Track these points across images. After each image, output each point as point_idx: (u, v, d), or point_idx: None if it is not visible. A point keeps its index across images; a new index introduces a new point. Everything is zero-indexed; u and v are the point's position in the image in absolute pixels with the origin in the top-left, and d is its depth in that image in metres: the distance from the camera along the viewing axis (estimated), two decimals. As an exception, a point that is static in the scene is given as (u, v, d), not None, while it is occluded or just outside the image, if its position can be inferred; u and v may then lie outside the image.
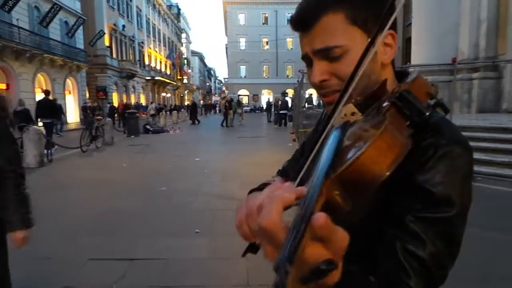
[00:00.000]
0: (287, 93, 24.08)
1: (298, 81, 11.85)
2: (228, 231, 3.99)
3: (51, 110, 11.11)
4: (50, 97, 12.28)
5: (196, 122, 24.49)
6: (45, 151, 8.43)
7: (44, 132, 9.28)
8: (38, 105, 11.28)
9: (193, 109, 25.71)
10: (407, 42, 17.24)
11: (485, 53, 10.82)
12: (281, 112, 20.28)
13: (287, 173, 0.99)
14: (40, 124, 11.08)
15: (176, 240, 3.73)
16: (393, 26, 0.66)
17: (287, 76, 53.93)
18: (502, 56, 10.35)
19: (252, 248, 0.72)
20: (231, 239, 3.74)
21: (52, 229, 4.09)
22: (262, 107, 47.92)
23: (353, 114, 0.57)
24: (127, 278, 2.95)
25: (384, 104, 0.56)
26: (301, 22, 0.67)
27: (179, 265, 3.18)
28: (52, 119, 11.10)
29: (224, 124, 20.71)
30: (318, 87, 0.70)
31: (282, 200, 0.43)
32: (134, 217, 4.52)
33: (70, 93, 26.15)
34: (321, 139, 0.58)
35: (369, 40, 0.55)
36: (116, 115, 22.69)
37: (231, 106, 21.24)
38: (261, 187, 0.87)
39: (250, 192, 0.87)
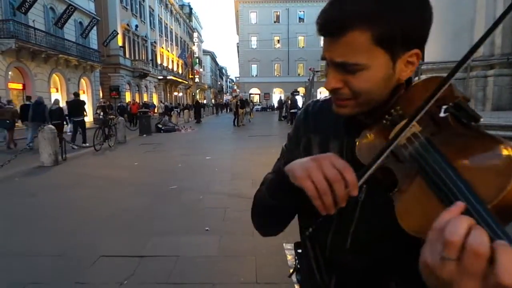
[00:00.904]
0: (298, 92, 24.01)
1: (309, 79, 11.78)
2: (237, 229, 4.01)
3: (81, 109, 12.26)
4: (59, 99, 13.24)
5: (200, 121, 24.58)
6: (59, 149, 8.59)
7: (79, 129, 11.68)
8: (69, 105, 12.82)
9: (196, 108, 25.84)
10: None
11: (500, 50, 10.57)
12: (291, 111, 20.23)
13: None
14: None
15: (186, 238, 3.76)
16: (421, 45, 0.66)
17: (298, 74, 53.71)
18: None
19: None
20: (240, 238, 3.78)
21: (65, 226, 4.18)
22: (273, 106, 47.90)
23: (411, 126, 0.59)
24: (137, 275, 2.98)
25: (441, 115, 0.58)
26: (327, 30, 0.66)
27: (188, 263, 3.20)
28: (82, 117, 12.19)
29: (236, 123, 20.67)
30: (330, 92, 0.72)
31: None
32: (144, 214, 4.57)
33: (84, 92, 26.58)
34: (385, 153, 0.59)
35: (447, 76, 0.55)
36: (126, 115, 22.16)
37: (242, 105, 21.14)
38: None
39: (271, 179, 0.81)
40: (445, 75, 0.57)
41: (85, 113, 12.53)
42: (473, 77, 10.67)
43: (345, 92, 0.68)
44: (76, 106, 12.16)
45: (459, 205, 0.44)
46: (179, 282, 2.88)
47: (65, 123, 12.34)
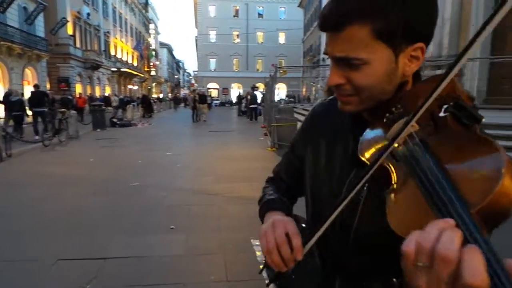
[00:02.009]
0: (257, 87, 24.06)
1: (270, 75, 11.86)
2: (204, 226, 3.95)
3: (43, 100, 12.09)
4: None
5: (147, 116, 23.28)
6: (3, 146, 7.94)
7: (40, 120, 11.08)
8: (32, 96, 12.25)
9: (144, 103, 24.38)
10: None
11: (447, 51, 11.31)
12: (251, 106, 20.27)
13: (283, 190, 0.98)
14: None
15: (151, 237, 3.63)
16: (426, 39, 0.65)
17: (257, 70, 53.94)
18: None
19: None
20: (207, 235, 3.72)
21: (16, 229, 3.87)
22: (232, 101, 47.75)
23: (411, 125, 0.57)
24: (100, 278, 2.83)
25: (441, 114, 0.57)
26: (327, 25, 0.66)
27: (155, 263, 3.09)
28: (43, 109, 11.78)
29: (194, 118, 19.79)
30: (334, 89, 0.71)
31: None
32: (105, 214, 4.35)
33: (29, 83, 24.72)
34: (384, 155, 0.58)
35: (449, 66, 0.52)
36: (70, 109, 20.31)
37: (203, 100, 20.35)
38: (275, 206, 0.89)
39: (264, 209, 0.92)
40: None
41: (46, 105, 12.32)
42: (424, 76, 11.32)
43: (347, 88, 0.68)
44: (38, 97, 11.95)
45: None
46: (147, 284, 2.77)
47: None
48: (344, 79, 0.67)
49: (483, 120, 0.54)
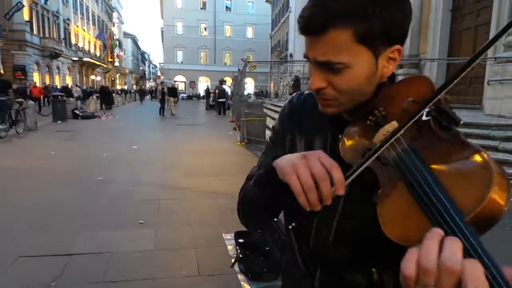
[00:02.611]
0: (225, 81, 23.85)
1: (239, 69, 11.83)
2: (174, 221, 3.91)
3: (4, 88, 12.00)
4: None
5: (107, 108, 22.09)
6: None
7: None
8: None
9: (103, 95, 23.09)
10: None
11: (409, 51, 11.80)
12: (219, 100, 20.12)
13: None
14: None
15: (120, 232, 3.55)
16: (402, 40, 0.67)
17: (225, 64, 53.56)
18: (423, 55, 11.40)
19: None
20: (177, 229, 3.69)
21: (-29, 225, 3.63)
22: (199, 94, 47.11)
23: None
24: (66, 275, 2.74)
25: (424, 118, 0.58)
26: (308, 29, 0.65)
27: (124, 259, 3.03)
28: (5, 98, 11.27)
29: (162, 112, 18.99)
30: (314, 92, 0.71)
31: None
32: (69, 209, 4.18)
33: (-20, 71, 23.07)
34: (372, 158, 0.59)
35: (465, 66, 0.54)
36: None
37: (173, 93, 19.47)
38: None
39: (265, 170, 0.77)
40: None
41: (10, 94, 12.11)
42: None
43: (329, 92, 0.68)
44: (2, 85, 11.96)
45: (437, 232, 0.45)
46: (116, 280, 2.71)
47: None
48: (326, 83, 0.67)
49: (461, 122, 0.57)
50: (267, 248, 3.05)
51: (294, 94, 0.93)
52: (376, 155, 0.58)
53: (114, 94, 28.86)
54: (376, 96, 0.70)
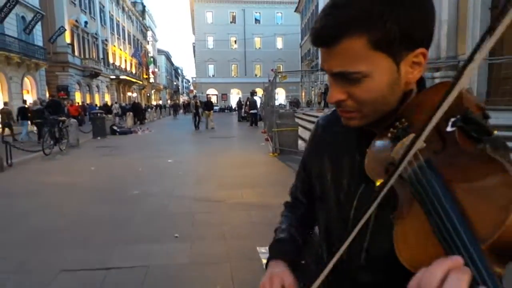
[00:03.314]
0: (256, 93, 24.04)
1: (269, 80, 11.86)
2: (208, 234, 3.90)
3: (58, 108, 13.14)
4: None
5: (139, 123, 22.53)
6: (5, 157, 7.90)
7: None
8: (48, 104, 13.56)
9: (136, 111, 23.29)
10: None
11: (446, 53, 11.33)
12: (251, 111, 20.26)
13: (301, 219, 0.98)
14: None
15: (155, 246, 3.59)
16: (426, 42, 0.62)
17: (256, 75, 54.09)
18: (462, 56, 10.89)
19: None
20: (212, 243, 3.68)
21: (17, 240, 3.82)
22: (231, 107, 47.76)
23: None
24: (105, 289, 2.79)
25: (449, 129, 0.52)
26: (321, 40, 0.63)
27: (160, 272, 3.04)
28: (60, 116, 12.47)
29: (197, 125, 18.65)
30: (335, 105, 0.69)
31: None
32: (107, 223, 4.30)
33: (28, 92, 24.73)
34: (391, 180, 0.53)
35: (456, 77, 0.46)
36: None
37: (209, 107, 19.02)
38: (281, 251, 0.91)
39: (270, 253, 0.93)
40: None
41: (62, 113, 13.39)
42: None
43: (349, 104, 0.65)
44: (55, 105, 13.14)
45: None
46: (152, 294, 2.72)
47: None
48: (345, 95, 0.64)
49: (495, 132, 0.50)
50: (303, 262, 2.98)
51: (322, 115, 0.95)
52: (385, 190, 0.52)
53: (149, 110, 29.92)
54: (402, 106, 0.65)
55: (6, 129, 14.25)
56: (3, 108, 15.39)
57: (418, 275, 0.41)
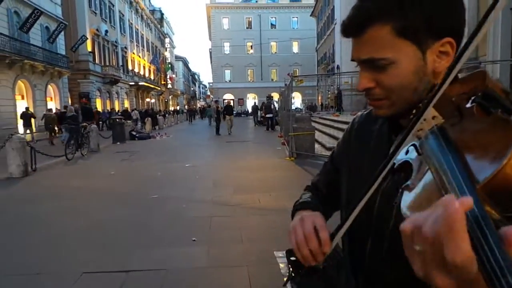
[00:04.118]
0: (272, 97, 24.05)
1: (286, 84, 11.86)
2: (225, 238, 3.92)
3: (89, 114, 15.15)
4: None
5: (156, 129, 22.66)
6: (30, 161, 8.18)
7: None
8: (82, 111, 15.37)
9: (149, 116, 23.14)
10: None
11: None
12: (267, 116, 20.28)
13: (319, 194, 0.98)
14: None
15: (173, 249, 3.63)
16: (455, 32, 0.63)
17: (272, 79, 54.13)
18: (483, 58, 10.63)
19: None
20: (229, 246, 3.69)
21: (40, 242, 3.94)
22: (247, 111, 47.93)
23: (433, 118, 0.54)
24: (125, 291, 2.84)
25: (468, 105, 0.53)
26: (349, 30, 0.68)
27: (178, 275, 3.08)
28: (90, 122, 14.25)
29: (218, 131, 18.03)
30: (364, 93, 0.71)
31: (462, 229, 0.32)
32: (126, 226, 4.39)
33: (52, 99, 25.52)
34: (399, 149, 0.56)
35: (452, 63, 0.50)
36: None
37: (229, 111, 18.88)
38: (308, 207, 0.87)
39: (295, 209, 0.90)
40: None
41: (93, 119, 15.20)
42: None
43: (377, 92, 0.68)
44: (87, 112, 15.13)
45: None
46: (171, 297, 2.76)
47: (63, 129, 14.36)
48: (373, 82, 0.67)
49: None
50: (321, 267, 2.95)
51: (358, 114, 0.95)
52: (384, 172, 0.56)
53: (166, 115, 30.29)
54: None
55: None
56: (47, 114, 16.50)
57: (414, 215, 0.39)
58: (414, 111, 0.60)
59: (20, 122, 17.77)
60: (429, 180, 0.49)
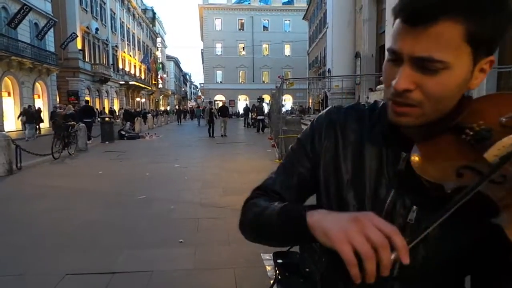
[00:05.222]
0: (263, 99, 24.11)
1: (276, 86, 11.90)
2: (213, 240, 3.89)
3: (91, 112, 16.18)
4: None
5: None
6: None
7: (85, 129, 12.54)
8: (82, 109, 16.29)
9: (129, 117, 21.29)
10: (381, 49, 17.74)
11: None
12: (258, 118, 20.31)
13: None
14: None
15: (160, 251, 3.59)
16: (495, 51, 0.60)
17: (263, 81, 54.25)
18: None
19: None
20: (216, 248, 3.67)
21: (24, 242, 3.85)
22: (239, 112, 47.91)
23: None
24: (109, 293, 2.79)
25: None
26: (415, 15, 0.56)
27: (163, 278, 3.05)
28: (91, 119, 15.32)
29: (212, 133, 17.17)
30: (396, 93, 0.61)
31: None
32: (113, 227, 4.32)
33: (39, 97, 25.17)
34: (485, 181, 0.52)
35: None
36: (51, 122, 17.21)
37: (224, 113, 17.94)
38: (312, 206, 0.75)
39: (294, 213, 0.68)
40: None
41: (93, 116, 16.19)
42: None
43: (415, 97, 0.59)
44: (88, 110, 15.98)
45: None
46: (156, 299, 2.72)
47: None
48: (414, 85, 0.59)
49: None
50: (307, 270, 2.95)
51: (331, 107, 0.83)
52: (490, 177, 0.52)
53: (152, 115, 30.01)
54: (460, 111, 0.62)
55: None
56: (57, 111, 16.75)
57: None
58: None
59: (11, 119, 17.90)
60: None
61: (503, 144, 0.54)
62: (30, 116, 16.81)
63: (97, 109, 29.37)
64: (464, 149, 0.58)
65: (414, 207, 0.61)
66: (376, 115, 0.73)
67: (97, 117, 16.05)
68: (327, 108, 0.84)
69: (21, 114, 18.16)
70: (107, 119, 16.01)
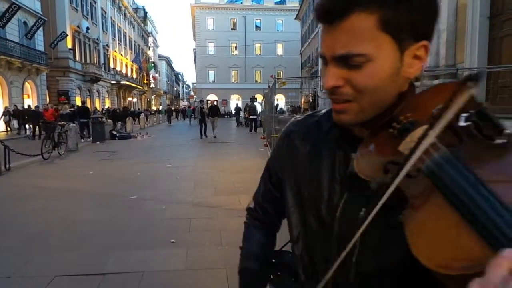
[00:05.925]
0: (255, 99, 24.04)
1: (269, 86, 11.90)
2: (204, 240, 3.88)
3: (87, 113, 16.86)
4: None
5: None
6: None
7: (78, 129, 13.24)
8: (78, 110, 17.33)
9: (115, 117, 20.43)
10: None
11: (445, 61, 11.38)
12: (251, 117, 20.30)
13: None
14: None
15: (151, 252, 3.57)
16: (429, 37, 0.60)
17: (256, 81, 54.20)
18: (460, 65, 10.93)
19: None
20: (208, 249, 3.66)
21: (13, 244, 3.80)
22: (231, 112, 47.83)
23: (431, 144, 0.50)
24: (99, 295, 2.76)
25: (462, 124, 0.50)
26: (327, 13, 0.58)
27: (155, 278, 3.03)
28: (87, 119, 16.25)
29: (204, 134, 16.62)
30: (329, 92, 0.62)
31: None
32: (104, 228, 4.28)
33: (29, 97, 24.81)
34: (402, 174, 0.50)
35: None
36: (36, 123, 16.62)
37: (214, 112, 17.13)
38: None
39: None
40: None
41: (89, 117, 16.56)
42: (421, 86, 11.36)
43: (346, 91, 0.60)
44: (83, 111, 16.69)
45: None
46: (147, 300, 2.70)
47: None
48: (343, 81, 0.59)
49: (507, 131, 0.49)
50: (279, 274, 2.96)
51: (293, 119, 0.87)
52: (408, 166, 0.49)
53: (142, 115, 29.75)
54: (397, 105, 0.61)
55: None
56: (62, 110, 17.13)
57: (479, 280, 0.36)
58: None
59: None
60: (443, 211, 0.46)
61: (416, 135, 0.52)
62: (35, 116, 17.07)
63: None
64: (391, 144, 0.57)
65: (363, 209, 0.59)
66: (331, 121, 0.72)
67: (90, 117, 16.33)
68: (290, 121, 0.87)
69: (4, 114, 18.63)
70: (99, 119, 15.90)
